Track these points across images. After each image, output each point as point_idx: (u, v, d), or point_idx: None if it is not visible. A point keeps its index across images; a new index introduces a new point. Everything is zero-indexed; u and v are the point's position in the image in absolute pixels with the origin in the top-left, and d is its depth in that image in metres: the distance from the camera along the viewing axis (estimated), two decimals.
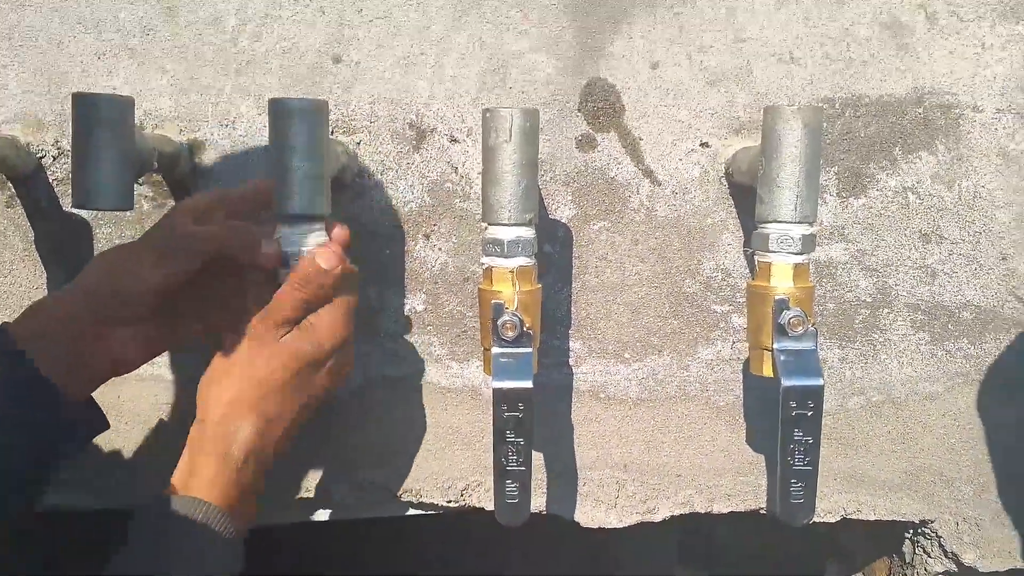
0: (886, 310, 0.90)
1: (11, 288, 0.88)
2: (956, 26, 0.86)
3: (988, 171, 0.88)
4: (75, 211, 0.86)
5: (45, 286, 0.87)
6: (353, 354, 0.78)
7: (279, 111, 0.70)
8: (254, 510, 0.74)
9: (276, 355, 0.71)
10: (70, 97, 0.70)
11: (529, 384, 0.73)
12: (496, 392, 0.73)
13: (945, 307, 0.90)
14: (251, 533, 0.74)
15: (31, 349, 0.68)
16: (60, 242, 0.87)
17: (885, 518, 0.94)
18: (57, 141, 0.85)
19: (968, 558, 0.95)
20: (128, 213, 0.86)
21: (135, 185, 0.82)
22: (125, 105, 0.71)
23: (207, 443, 0.71)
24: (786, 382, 0.72)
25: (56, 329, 0.70)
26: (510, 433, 0.73)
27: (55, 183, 0.85)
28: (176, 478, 0.70)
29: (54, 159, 0.85)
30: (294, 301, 0.71)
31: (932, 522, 0.95)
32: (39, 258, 0.87)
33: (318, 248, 0.71)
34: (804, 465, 0.73)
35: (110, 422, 0.76)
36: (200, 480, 0.69)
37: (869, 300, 0.90)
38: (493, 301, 0.74)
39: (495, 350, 0.74)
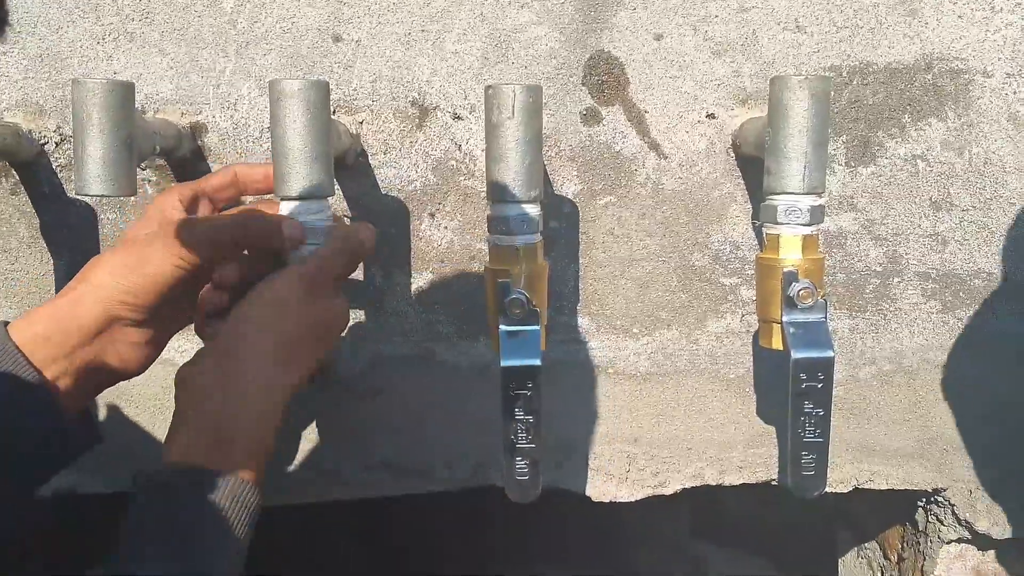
0: (896, 279, 0.90)
1: (18, 275, 0.88)
2: None
3: (998, 137, 0.87)
4: (79, 197, 0.86)
5: (52, 272, 0.88)
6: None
7: (279, 93, 0.69)
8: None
9: (327, 306, 0.69)
10: (70, 83, 0.70)
11: (537, 362, 0.73)
12: (504, 370, 0.73)
13: (956, 275, 0.90)
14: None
15: (30, 353, 0.64)
16: (65, 228, 0.87)
17: (897, 487, 0.94)
18: (59, 127, 0.84)
19: (981, 526, 0.95)
20: (132, 198, 0.86)
21: (138, 170, 0.83)
22: (125, 90, 0.70)
23: (249, 393, 0.64)
24: (796, 354, 0.71)
25: (59, 333, 0.66)
26: (519, 411, 0.73)
27: (58, 169, 0.85)
28: (194, 434, 0.63)
29: (56, 145, 0.85)
30: (345, 262, 0.70)
31: (945, 490, 0.95)
32: (45, 245, 0.87)
33: (360, 223, 0.72)
34: (815, 437, 0.73)
35: (119, 406, 0.76)
36: (233, 446, 0.63)
37: (879, 269, 0.89)
38: (499, 279, 0.73)
39: (502, 328, 0.74)
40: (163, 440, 0.65)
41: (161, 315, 0.70)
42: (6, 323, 0.66)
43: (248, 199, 0.81)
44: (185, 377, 0.66)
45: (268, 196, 0.76)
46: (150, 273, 0.67)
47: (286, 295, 0.67)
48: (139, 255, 0.68)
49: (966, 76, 0.86)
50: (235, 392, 0.64)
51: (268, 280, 0.68)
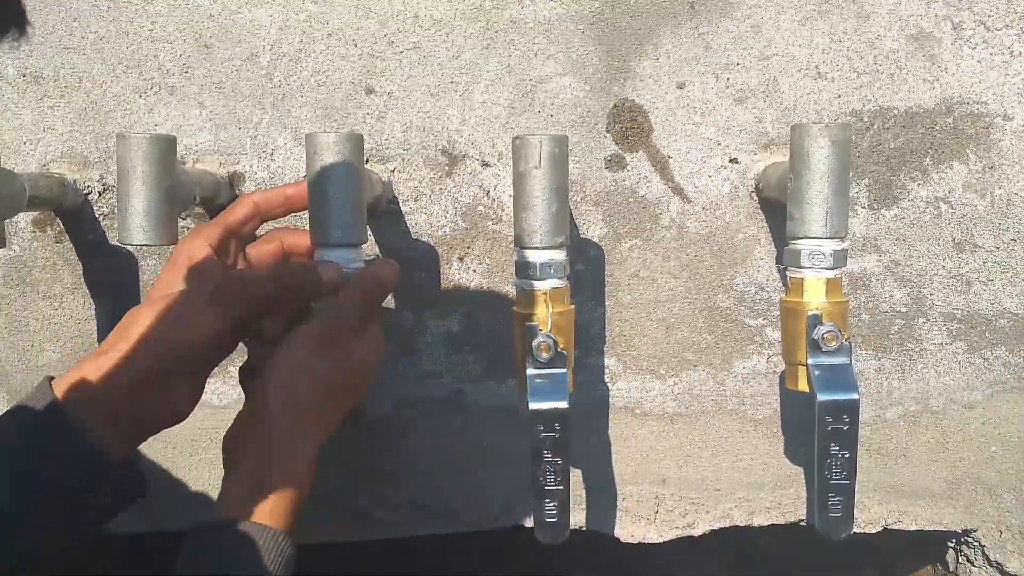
0: (922, 320, 0.90)
1: (62, 320, 0.91)
2: (983, 35, 0.86)
3: (1020, 178, 0.88)
4: (121, 245, 0.89)
5: (94, 318, 0.90)
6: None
7: (315, 145, 0.72)
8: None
9: (344, 360, 0.70)
10: (114, 136, 0.73)
11: (565, 404, 0.74)
12: (532, 413, 0.74)
13: (982, 315, 0.90)
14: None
15: (74, 407, 0.65)
16: (107, 275, 0.90)
17: (926, 528, 0.94)
18: (102, 177, 0.88)
19: (1012, 566, 0.94)
20: (172, 246, 0.88)
21: (179, 219, 0.85)
22: (167, 144, 0.73)
23: (275, 454, 0.67)
24: (821, 397, 0.72)
25: (104, 389, 0.66)
26: (547, 453, 0.74)
27: (101, 218, 0.88)
28: (234, 491, 0.66)
29: (99, 195, 0.88)
30: (361, 310, 0.71)
31: (975, 531, 0.94)
32: (88, 291, 0.90)
33: (380, 261, 0.73)
34: (842, 479, 0.73)
35: (161, 451, 0.77)
36: (266, 500, 0.65)
37: (904, 310, 0.90)
38: (527, 323, 0.75)
39: (530, 371, 0.75)
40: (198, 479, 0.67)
41: (201, 363, 0.72)
42: (51, 378, 0.67)
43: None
44: (226, 442, 0.69)
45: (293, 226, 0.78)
46: (196, 331, 0.68)
47: (301, 359, 0.69)
48: (183, 313, 0.69)
49: (987, 119, 0.87)
50: (265, 455, 0.67)
51: (285, 342, 0.69)
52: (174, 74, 0.87)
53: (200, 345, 0.69)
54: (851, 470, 0.73)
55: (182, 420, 0.72)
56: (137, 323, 0.69)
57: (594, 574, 1.54)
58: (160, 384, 0.68)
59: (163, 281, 0.73)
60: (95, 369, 0.67)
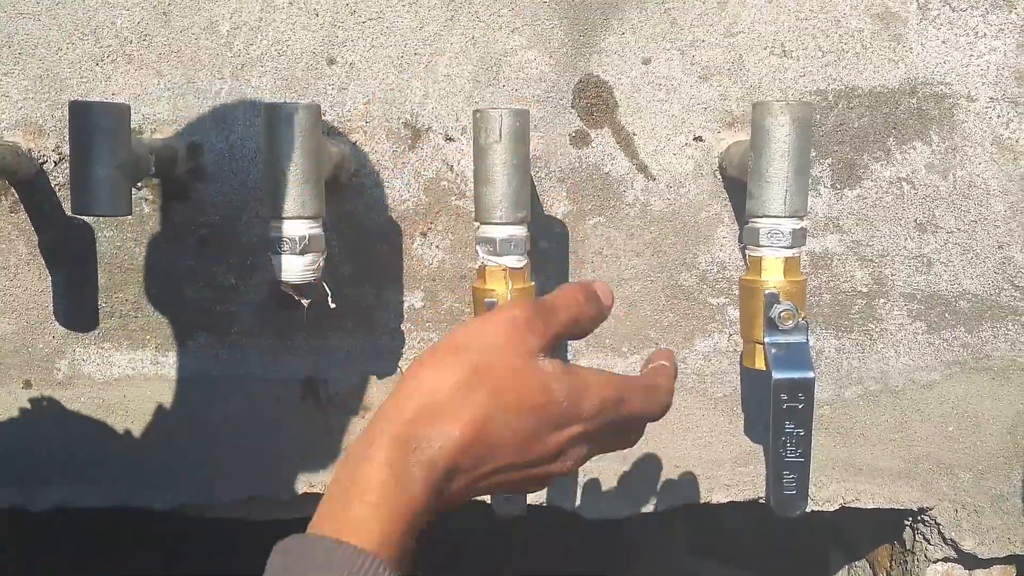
0: (882, 300, 0.91)
1: (17, 292, 0.89)
2: (948, 15, 0.86)
3: (982, 160, 0.88)
4: (77, 216, 0.87)
5: (50, 289, 0.89)
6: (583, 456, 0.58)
7: (271, 116, 0.71)
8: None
9: (524, 374, 0.53)
10: (68, 104, 0.71)
11: None
12: None
13: (942, 296, 0.91)
14: (259, 528, 0.75)
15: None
16: (64, 246, 0.88)
17: (884, 506, 0.95)
18: (58, 147, 0.86)
19: (967, 544, 0.95)
20: (128, 217, 0.87)
21: (134, 190, 0.84)
22: (121, 112, 0.72)
23: (387, 450, 0.49)
24: (777, 375, 0.72)
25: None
26: None
27: (57, 188, 0.87)
28: (334, 501, 0.49)
29: (55, 164, 0.86)
30: (570, 313, 0.57)
31: (931, 509, 0.95)
32: (43, 262, 0.88)
33: (601, 283, 0.60)
34: (796, 457, 0.74)
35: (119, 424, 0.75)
36: (364, 518, 0.47)
37: (865, 290, 0.90)
38: (486, 299, 0.74)
39: None
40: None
41: None
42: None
43: None
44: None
45: None
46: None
47: (469, 341, 0.54)
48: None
49: (950, 100, 0.87)
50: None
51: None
52: (132, 42, 0.85)
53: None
54: (806, 448, 0.74)
55: None
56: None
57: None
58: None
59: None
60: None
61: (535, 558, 1.61)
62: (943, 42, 0.86)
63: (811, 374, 0.72)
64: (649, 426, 0.91)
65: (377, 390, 0.92)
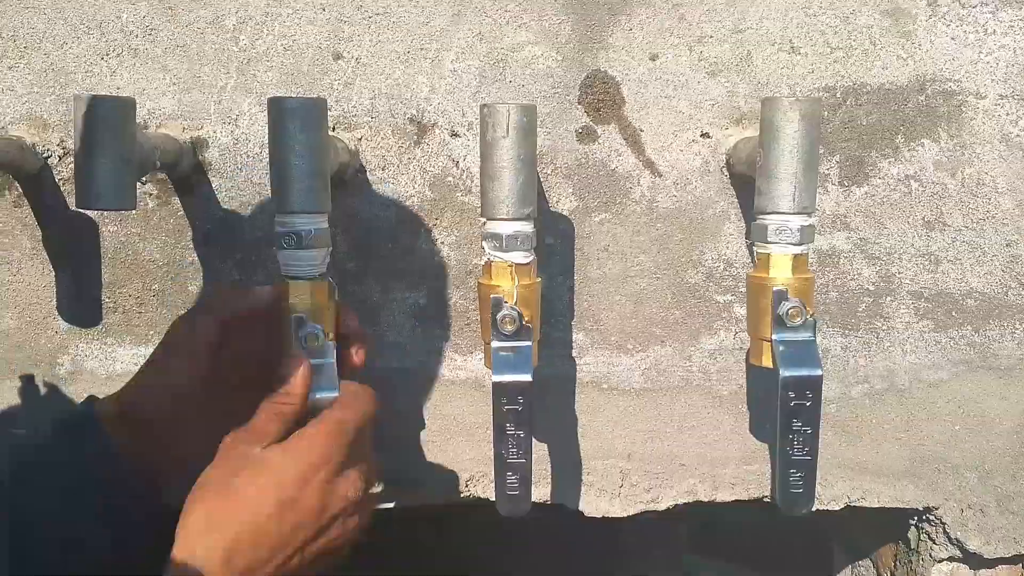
0: (889, 298, 0.90)
1: (20, 287, 0.89)
2: (958, 12, 0.85)
3: (991, 158, 0.87)
4: (81, 210, 0.87)
5: (53, 284, 0.89)
6: (358, 475, 0.70)
7: (277, 110, 0.70)
8: None
9: (246, 473, 0.65)
10: (73, 98, 0.71)
11: (528, 378, 0.73)
12: (496, 386, 0.73)
13: (949, 294, 0.90)
14: None
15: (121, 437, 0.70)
16: (67, 241, 0.88)
17: (889, 505, 0.94)
18: (62, 141, 0.86)
19: (973, 544, 0.95)
20: (132, 212, 0.87)
21: (139, 184, 0.84)
22: (126, 106, 0.72)
23: (171, 571, 0.61)
24: (784, 372, 0.72)
25: (130, 410, 0.72)
26: (510, 426, 0.74)
27: (61, 183, 0.86)
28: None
29: (59, 159, 0.86)
30: (267, 411, 0.68)
31: (936, 509, 0.95)
32: (47, 256, 0.88)
33: (346, 393, 0.71)
34: (803, 455, 0.73)
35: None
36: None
37: (872, 288, 0.90)
38: (492, 295, 0.74)
39: (494, 344, 0.74)
40: None
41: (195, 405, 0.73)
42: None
43: None
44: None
45: None
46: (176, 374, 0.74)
47: (209, 478, 0.68)
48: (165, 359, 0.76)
49: (959, 97, 0.87)
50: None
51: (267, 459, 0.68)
52: (137, 36, 0.85)
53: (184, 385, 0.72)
54: (813, 447, 0.73)
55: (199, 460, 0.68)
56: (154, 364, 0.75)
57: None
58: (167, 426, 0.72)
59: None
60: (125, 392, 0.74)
61: (536, 555, 1.61)
62: (952, 39, 0.86)
63: (819, 372, 0.72)
64: (654, 424, 0.92)
65: (380, 386, 0.91)
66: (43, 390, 0.91)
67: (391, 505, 0.93)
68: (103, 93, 0.84)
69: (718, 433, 0.93)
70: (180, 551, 0.62)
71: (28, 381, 0.91)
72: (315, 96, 0.79)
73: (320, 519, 0.66)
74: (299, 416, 0.69)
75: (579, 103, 0.87)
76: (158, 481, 0.71)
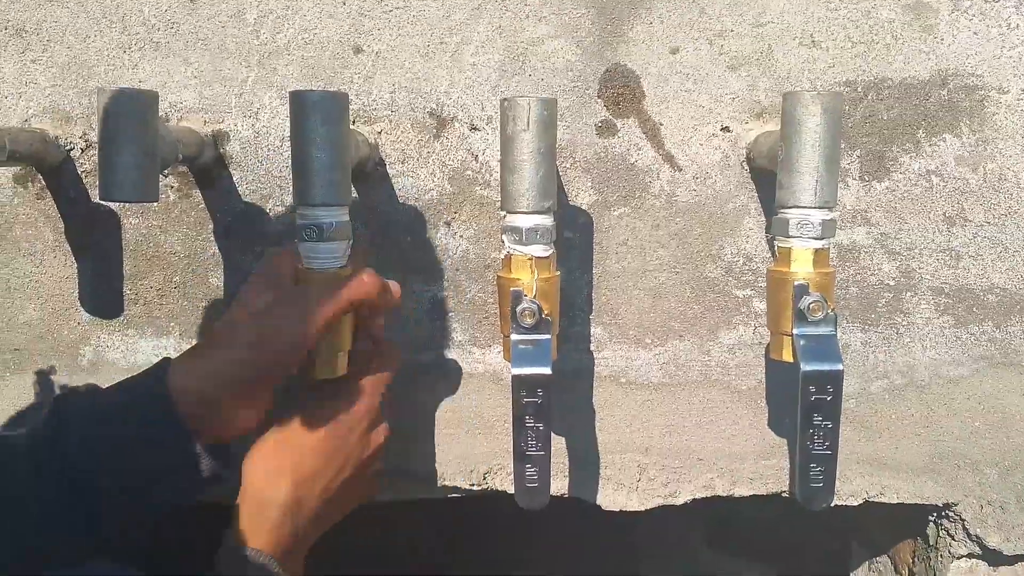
0: (910, 293, 0.90)
1: (43, 278, 0.90)
2: (980, 6, 0.85)
3: (1013, 153, 0.87)
4: (103, 202, 0.87)
5: (75, 276, 0.89)
6: (386, 426, 0.82)
7: (299, 103, 0.71)
8: (300, 571, 0.77)
9: (307, 423, 0.76)
10: (96, 91, 0.71)
11: (548, 371, 0.73)
12: (515, 379, 0.73)
13: (970, 290, 0.90)
14: None
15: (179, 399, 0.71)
16: (89, 233, 0.89)
17: (908, 501, 0.94)
18: (85, 134, 0.86)
19: (992, 541, 0.95)
20: (154, 204, 0.87)
21: (160, 176, 0.84)
22: (149, 99, 0.72)
23: (246, 507, 0.74)
24: (805, 367, 0.72)
25: (209, 389, 0.72)
26: (529, 419, 0.74)
27: (83, 175, 0.87)
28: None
29: (82, 151, 0.86)
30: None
31: (956, 505, 0.95)
32: (69, 249, 0.89)
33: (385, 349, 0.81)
34: (824, 449, 0.73)
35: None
36: (243, 540, 0.72)
37: (892, 283, 0.90)
38: (512, 288, 0.74)
39: (514, 337, 0.74)
40: None
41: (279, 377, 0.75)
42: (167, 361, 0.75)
43: None
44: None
45: None
46: (294, 344, 0.72)
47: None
48: (279, 328, 0.73)
49: (981, 92, 0.86)
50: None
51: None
52: (159, 29, 0.85)
53: (293, 362, 0.73)
54: (833, 441, 0.73)
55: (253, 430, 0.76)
56: (237, 337, 0.74)
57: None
58: (257, 392, 0.74)
59: (250, 290, 0.76)
60: (205, 364, 0.73)
61: (553, 549, 1.61)
62: (975, 33, 0.85)
63: (840, 366, 0.71)
64: (672, 418, 0.92)
65: (399, 378, 0.91)
66: (63, 382, 0.92)
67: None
68: (125, 86, 0.85)
69: (736, 428, 0.93)
70: (257, 489, 0.74)
71: (49, 372, 0.92)
72: (336, 90, 0.79)
73: (360, 459, 0.79)
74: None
75: (599, 97, 0.86)
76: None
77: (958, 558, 0.98)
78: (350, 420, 0.78)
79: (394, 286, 0.78)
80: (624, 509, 0.94)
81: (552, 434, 0.77)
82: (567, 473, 0.94)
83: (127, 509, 0.70)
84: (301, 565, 0.77)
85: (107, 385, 0.75)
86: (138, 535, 0.72)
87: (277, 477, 0.74)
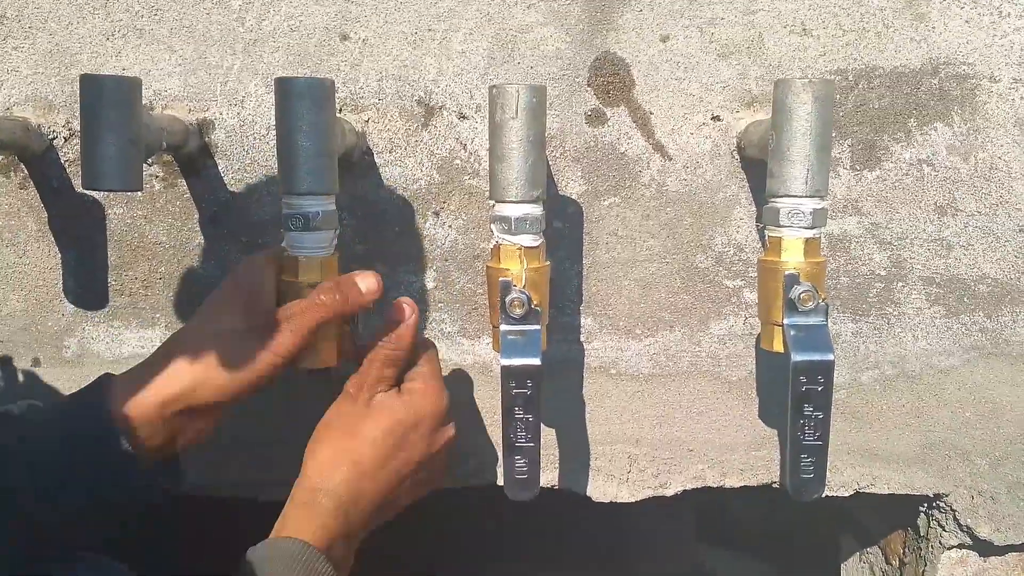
0: (900, 283, 0.90)
1: (27, 268, 0.89)
2: None
3: (1005, 142, 0.86)
4: (87, 192, 0.86)
5: (59, 266, 0.88)
6: (452, 426, 0.80)
7: (285, 90, 0.70)
8: (348, 563, 0.74)
9: (369, 415, 0.75)
10: (79, 78, 0.70)
11: (537, 361, 0.73)
12: (504, 369, 0.73)
13: (961, 280, 0.89)
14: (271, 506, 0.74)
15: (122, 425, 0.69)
16: (73, 222, 0.88)
17: (899, 492, 0.94)
18: (68, 122, 0.85)
19: (983, 531, 0.95)
20: (139, 193, 0.86)
21: (145, 165, 0.83)
22: (132, 86, 0.71)
23: (298, 495, 0.73)
24: (796, 357, 0.71)
25: (151, 411, 0.70)
26: (519, 410, 0.73)
27: (66, 164, 0.86)
28: (272, 534, 0.71)
29: (65, 140, 0.85)
30: (382, 359, 0.76)
31: (946, 496, 0.94)
32: (53, 239, 0.88)
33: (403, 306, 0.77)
34: (814, 440, 0.73)
35: None
36: (289, 529, 0.70)
37: (883, 273, 0.89)
38: (501, 279, 0.74)
39: (503, 327, 0.74)
40: None
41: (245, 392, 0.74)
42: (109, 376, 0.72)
43: None
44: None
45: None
46: (251, 372, 0.71)
47: (331, 419, 0.78)
48: (238, 354, 0.71)
49: (973, 81, 0.86)
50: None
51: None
52: (143, 16, 0.84)
53: (250, 386, 0.72)
54: (824, 431, 0.73)
55: (203, 442, 0.75)
56: (190, 357, 0.71)
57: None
58: (201, 414, 0.72)
59: (218, 302, 0.75)
60: (146, 385, 0.71)
61: (543, 541, 1.60)
62: (966, 21, 0.85)
63: (831, 356, 0.71)
64: (663, 409, 0.91)
65: None
66: (48, 373, 0.91)
67: None
68: (109, 73, 0.84)
69: (727, 419, 0.93)
70: (311, 478, 0.73)
71: (34, 363, 0.91)
72: (322, 77, 0.78)
73: (423, 457, 0.77)
74: (409, 355, 0.78)
75: (588, 85, 0.86)
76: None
77: (949, 548, 0.98)
78: (415, 416, 0.76)
79: (367, 284, 0.74)
80: (615, 500, 0.94)
81: (542, 425, 0.76)
82: (557, 465, 0.93)
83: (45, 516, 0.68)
84: (349, 561, 0.74)
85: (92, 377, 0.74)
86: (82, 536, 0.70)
87: (334, 467, 0.73)
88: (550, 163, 0.86)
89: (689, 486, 0.94)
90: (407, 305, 0.76)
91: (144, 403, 0.69)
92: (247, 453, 0.92)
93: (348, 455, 0.74)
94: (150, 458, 0.70)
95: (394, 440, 0.75)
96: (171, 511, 0.74)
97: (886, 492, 0.94)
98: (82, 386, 0.73)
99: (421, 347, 0.80)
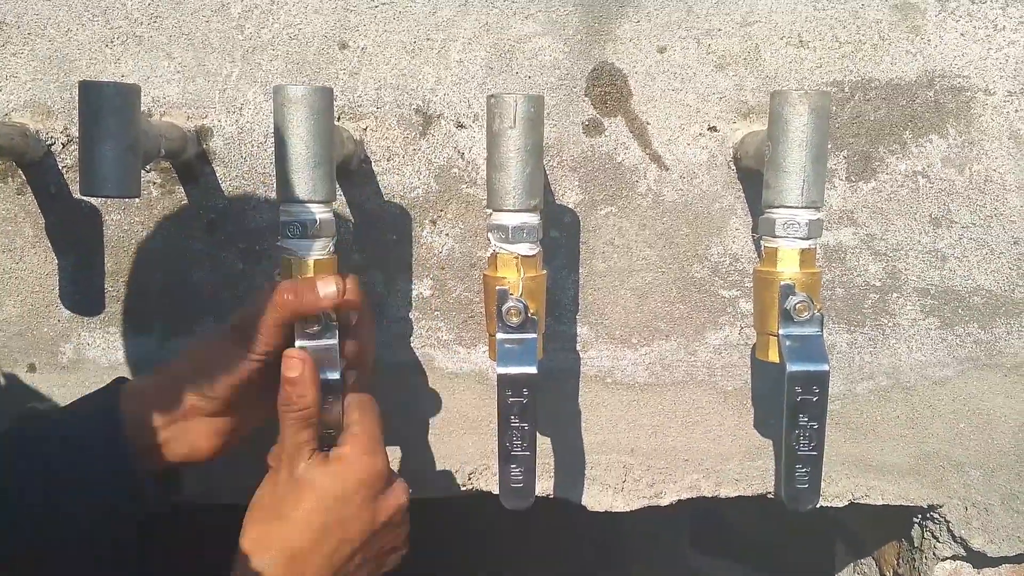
0: (895, 295, 0.90)
1: (23, 274, 0.89)
2: (968, 7, 0.85)
3: (999, 154, 0.87)
4: (84, 198, 0.86)
5: (56, 272, 0.88)
6: (401, 488, 0.74)
7: (283, 98, 0.70)
8: None
9: (291, 492, 0.69)
10: (77, 84, 0.70)
11: (533, 370, 0.73)
12: (501, 378, 0.73)
13: (955, 292, 0.90)
14: None
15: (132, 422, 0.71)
16: (70, 228, 0.88)
17: (893, 503, 0.94)
18: (66, 128, 0.85)
19: (977, 543, 0.95)
20: (136, 200, 0.86)
21: (143, 172, 0.83)
22: (131, 93, 0.71)
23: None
24: (791, 367, 0.71)
25: (146, 411, 0.72)
26: (515, 418, 0.73)
27: (64, 170, 0.86)
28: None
29: (63, 146, 0.85)
30: (290, 423, 0.70)
31: (941, 507, 0.95)
32: (49, 244, 0.88)
33: (291, 359, 0.71)
34: (809, 450, 0.73)
35: None
36: None
37: (878, 284, 0.90)
38: (498, 287, 0.74)
39: (500, 336, 0.74)
40: None
41: (238, 408, 0.74)
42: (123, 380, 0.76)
43: None
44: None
45: None
46: (233, 375, 0.72)
47: (259, 493, 0.73)
48: (219, 358, 0.72)
49: (968, 93, 0.86)
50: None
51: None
52: (142, 23, 0.84)
53: (224, 384, 0.72)
54: (819, 442, 0.73)
55: (205, 460, 0.75)
56: (185, 356, 0.76)
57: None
58: (186, 418, 0.73)
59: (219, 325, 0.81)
60: (143, 389, 0.74)
61: (538, 549, 1.60)
62: (961, 34, 0.85)
63: (826, 367, 0.71)
64: (658, 419, 0.91)
65: (384, 378, 0.91)
66: (44, 378, 0.91)
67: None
68: (107, 80, 0.84)
69: (722, 429, 0.93)
70: (241, 566, 0.67)
71: (30, 369, 0.91)
72: (321, 85, 0.78)
73: (366, 533, 0.70)
74: (317, 410, 0.71)
75: (586, 95, 0.86)
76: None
77: (943, 560, 0.98)
78: (343, 487, 0.69)
79: (326, 288, 0.70)
80: (610, 509, 0.94)
81: (537, 434, 0.76)
82: (552, 473, 0.93)
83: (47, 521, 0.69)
84: None
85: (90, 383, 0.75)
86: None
87: (264, 550, 0.67)
88: (547, 172, 0.87)
89: (684, 496, 0.94)
90: (295, 359, 0.69)
91: (151, 410, 0.71)
92: (247, 459, 0.92)
93: (277, 539, 0.68)
94: (155, 467, 0.72)
95: (324, 519, 0.68)
96: (171, 518, 0.74)
97: (880, 503, 0.94)
98: (78, 392, 0.75)
99: (354, 401, 0.73)
